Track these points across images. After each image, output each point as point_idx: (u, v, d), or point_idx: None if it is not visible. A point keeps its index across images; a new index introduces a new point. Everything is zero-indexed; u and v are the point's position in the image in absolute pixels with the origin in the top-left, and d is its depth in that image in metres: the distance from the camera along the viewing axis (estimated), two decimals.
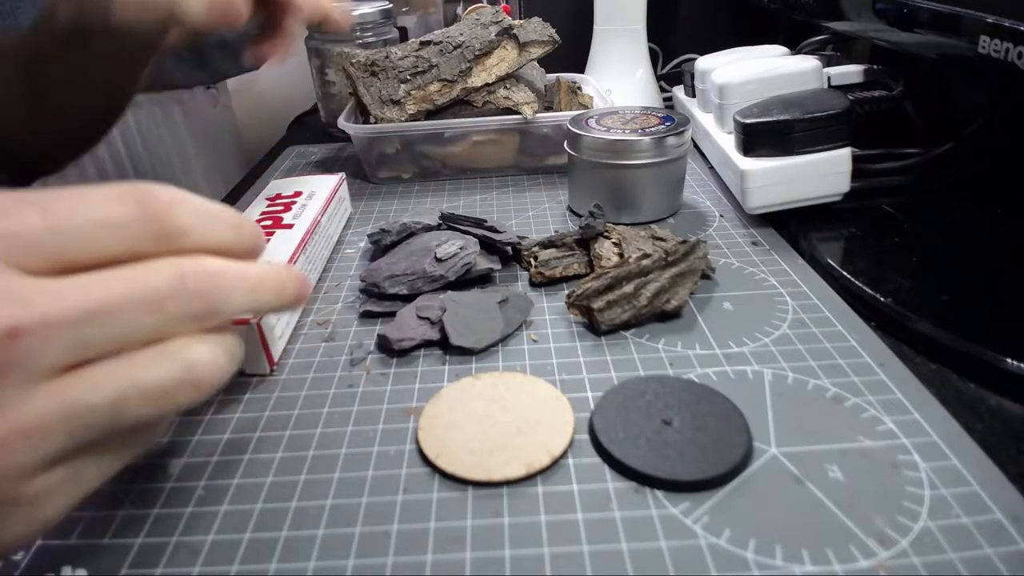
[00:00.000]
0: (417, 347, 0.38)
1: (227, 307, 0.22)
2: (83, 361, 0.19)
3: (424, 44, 0.60)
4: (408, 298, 0.42)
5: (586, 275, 0.43)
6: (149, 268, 0.21)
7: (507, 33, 0.60)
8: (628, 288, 0.38)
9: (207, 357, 0.22)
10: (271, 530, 0.27)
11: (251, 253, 0.25)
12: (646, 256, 0.39)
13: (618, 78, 0.74)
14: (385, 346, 0.38)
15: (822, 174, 0.47)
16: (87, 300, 0.19)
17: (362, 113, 0.63)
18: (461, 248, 0.44)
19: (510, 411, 0.32)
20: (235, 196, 0.65)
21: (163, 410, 0.21)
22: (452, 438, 0.31)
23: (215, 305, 0.22)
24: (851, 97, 0.52)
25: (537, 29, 0.61)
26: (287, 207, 0.48)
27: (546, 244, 0.45)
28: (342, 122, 0.60)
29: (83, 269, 0.20)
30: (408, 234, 0.47)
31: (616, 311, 0.38)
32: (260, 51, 0.46)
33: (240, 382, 0.36)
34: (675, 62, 0.88)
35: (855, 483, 0.28)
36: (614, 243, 0.44)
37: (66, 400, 0.19)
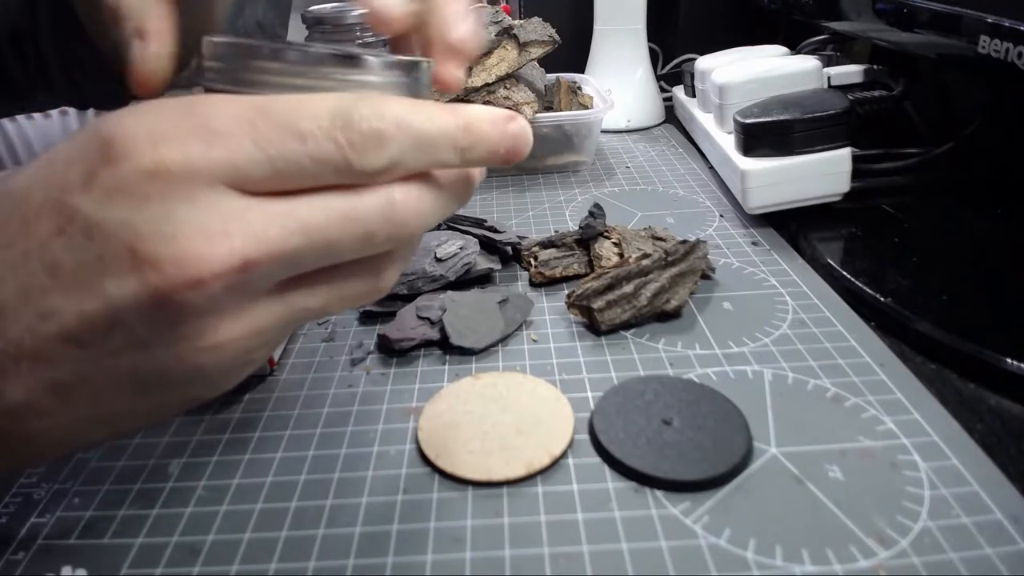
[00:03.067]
0: (417, 347, 0.38)
1: (434, 222, 0.22)
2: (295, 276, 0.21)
3: None
4: (408, 298, 0.42)
5: (586, 275, 0.43)
6: (361, 200, 0.20)
7: (507, 33, 0.60)
8: (628, 288, 0.38)
9: (392, 272, 0.23)
10: (271, 530, 0.27)
11: (491, 159, 0.23)
12: (646, 256, 0.39)
13: (618, 78, 0.74)
14: (385, 346, 0.38)
15: (822, 174, 0.47)
16: (307, 233, 0.19)
17: None
18: (461, 248, 0.44)
19: (510, 411, 0.32)
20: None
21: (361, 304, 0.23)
22: (452, 438, 0.31)
23: (423, 226, 0.22)
24: (851, 97, 0.52)
25: (537, 29, 0.61)
26: None
27: (546, 244, 0.45)
28: None
29: (290, 192, 0.20)
30: None
31: (616, 311, 0.38)
32: None
33: (240, 382, 0.36)
34: (675, 62, 0.87)
35: (855, 483, 0.28)
36: (614, 243, 0.44)
37: (286, 309, 0.21)
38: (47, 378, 0.19)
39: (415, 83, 0.23)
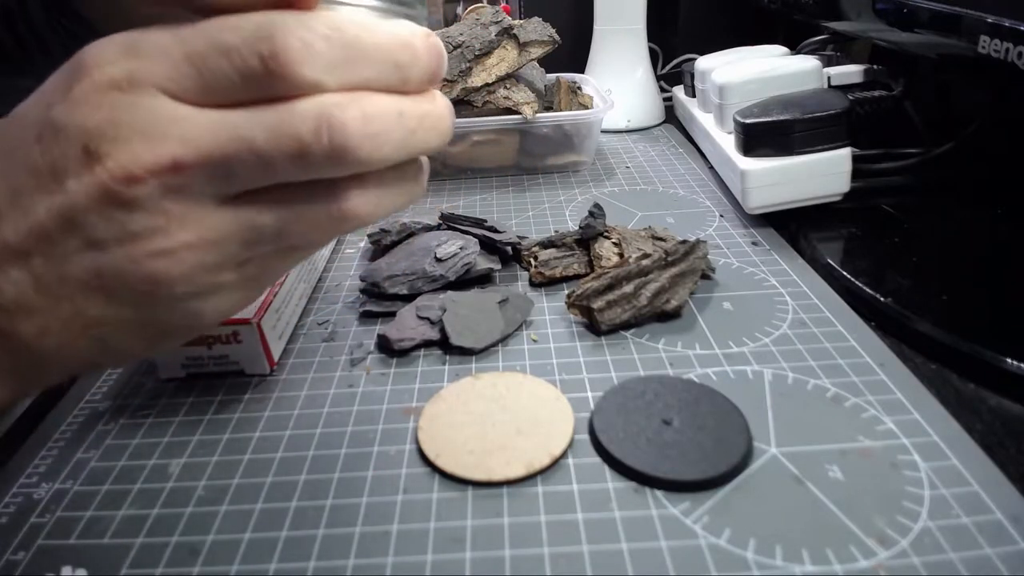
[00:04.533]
0: (417, 347, 0.38)
1: (378, 156, 0.21)
2: (245, 192, 0.21)
3: None
4: (408, 298, 0.42)
5: (586, 275, 0.43)
6: (291, 112, 0.20)
7: (507, 33, 0.60)
8: (628, 288, 0.38)
9: (361, 199, 0.22)
10: (271, 530, 0.27)
11: (428, 84, 0.23)
12: (646, 256, 0.39)
13: (618, 78, 0.74)
14: (385, 346, 0.38)
15: (822, 174, 0.47)
16: (237, 141, 0.20)
17: None
18: (461, 248, 0.44)
19: (510, 411, 0.32)
20: None
21: (323, 238, 0.23)
22: (452, 438, 0.31)
23: (363, 156, 0.21)
24: (851, 97, 0.52)
25: (537, 29, 0.61)
26: None
27: (546, 244, 0.45)
28: None
29: (231, 104, 0.21)
30: (408, 234, 0.47)
31: (616, 311, 0.38)
32: None
33: (240, 382, 0.36)
34: (675, 62, 0.87)
35: (855, 483, 0.28)
36: (614, 243, 0.44)
37: (236, 222, 0.21)
38: (29, 274, 0.21)
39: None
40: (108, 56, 0.20)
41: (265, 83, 0.20)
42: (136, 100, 0.20)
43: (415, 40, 0.22)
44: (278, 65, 0.20)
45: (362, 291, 0.44)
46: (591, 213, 0.45)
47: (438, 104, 0.23)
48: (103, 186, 0.20)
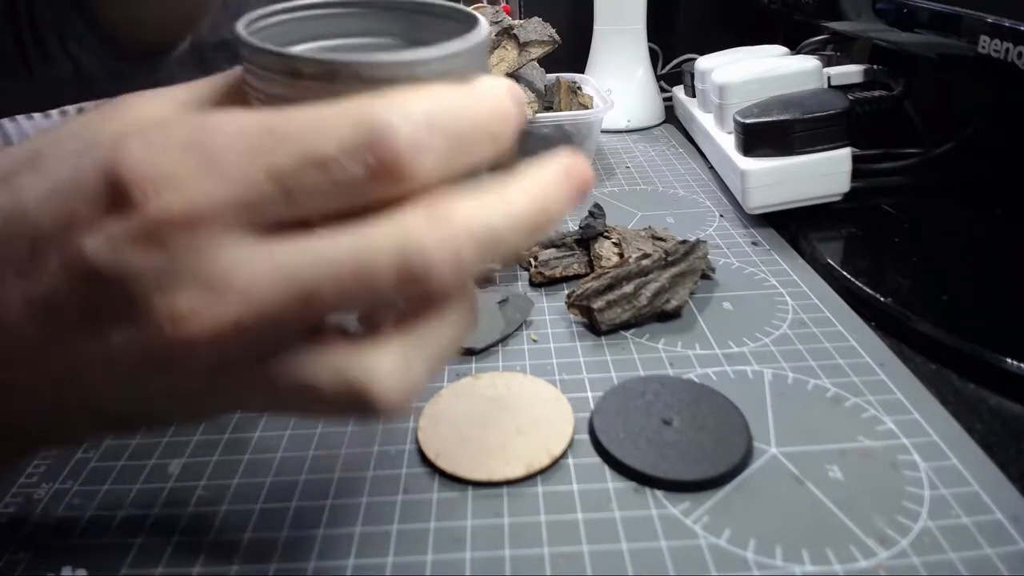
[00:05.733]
0: None
1: (454, 286, 0.18)
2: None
3: None
4: None
5: (586, 275, 0.43)
6: (372, 249, 0.17)
7: (507, 33, 0.60)
8: (628, 288, 0.38)
9: (388, 372, 0.19)
10: (271, 530, 0.27)
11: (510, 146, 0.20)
12: (646, 256, 0.39)
13: (618, 78, 0.74)
14: None
15: (822, 174, 0.47)
16: (302, 295, 0.17)
17: None
18: None
19: (510, 411, 0.32)
20: None
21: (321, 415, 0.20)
22: (452, 438, 0.31)
23: (441, 292, 0.18)
24: (851, 97, 0.52)
25: (537, 29, 0.61)
26: None
27: (546, 244, 0.45)
28: None
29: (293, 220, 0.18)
30: None
31: (616, 311, 0.38)
32: None
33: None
34: (675, 62, 0.87)
35: (855, 483, 0.28)
36: (614, 243, 0.44)
37: (280, 374, 0.19)
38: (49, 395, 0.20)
39: (478, 51, 0.21)
40: (163, 175, 0.17)
41: (364, 192, 0.17)
42: (202, 244, 0.17)
43: (507, 105, 0.19)
44: (388, 172, 0.17)
45: None
46: (591, 213, 0.45)
47: (551, 190, 0.20)
48: (149, 345, 0.17)
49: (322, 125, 0.17)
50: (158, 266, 0.17)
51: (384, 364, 0.18)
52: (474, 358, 0.37)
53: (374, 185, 0.17)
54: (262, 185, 0.17)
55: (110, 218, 0.17)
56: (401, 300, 0.19)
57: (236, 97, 0.21)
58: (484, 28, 0.21)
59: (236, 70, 0.22)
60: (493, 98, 0.19)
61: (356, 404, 0.18)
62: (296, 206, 0.17)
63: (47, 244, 0.18)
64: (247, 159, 0.17)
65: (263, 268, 0.17)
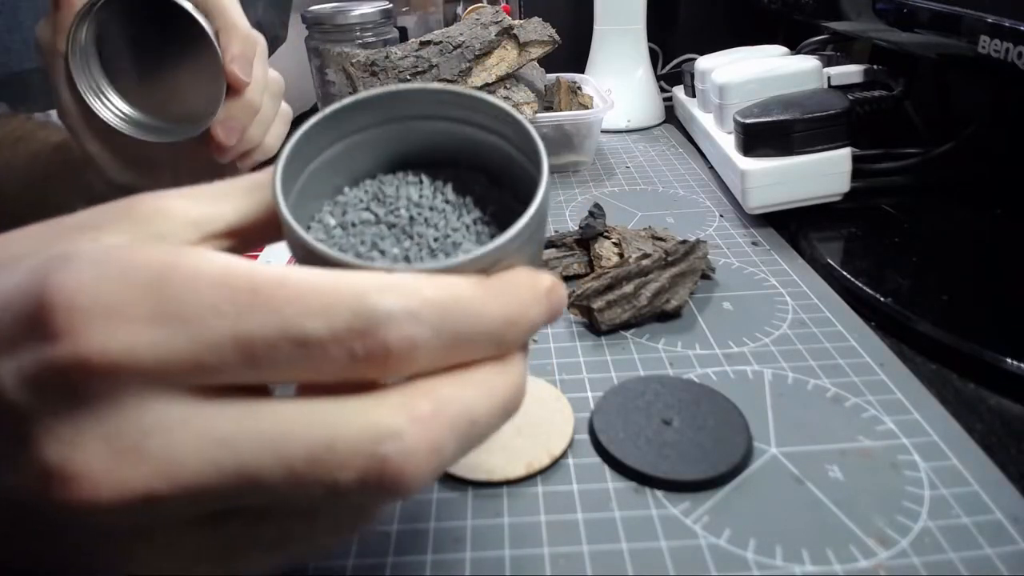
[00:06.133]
0: None
1: (426, 484, 0.16)
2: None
3: (424, 44, 0.60)
4: None
5: (586, 275, 0.43)
6: (335, 433, 0.15)
7: (507, 33, 0.60)
8: (628, 288, 0.38)
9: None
10: None
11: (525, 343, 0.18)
12: (646, 256, 0.39)
13: (618, 78, 0.74)
14: None
15: (822, 174, 0.47)
16: (239, 473, 0.15)
17: None
18: None
19: None
20: None
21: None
22: None
23: (412, 490, 0.16)
24: (851, 97, 0.52)
25: (537, 29, 0.61)
26: None
27: (546, 244, 0.45)
28: None
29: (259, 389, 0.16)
30: None
31: (616, 311, 0.38)
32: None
33: None
34: (675, 62, 0.87)
35: (855, 483, 0.28)
36: (614, 243, 0.44)
37: (209, 539, 0.17)
38: None
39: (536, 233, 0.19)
40: (101, 308, 0.14)
41: (338, 372, 0.15)
42: (125, 398, 0.14)
43: (525, 309, 0.17)
44: (373, 362, 0.15)
45: None
46: (591, 213, 0.45)
47: (512, 378, 0.18)
48: (46, 502, 0.15)
49: (316, 302, 0.15)
50: (61, 411, 0.14)
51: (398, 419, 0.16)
52: None
53: (352, 368, 0.15)
54: (224, 350, 0.15)
55: (28, 342, 0.14)
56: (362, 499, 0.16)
57: (264, 229, 0.20)
58: (536, 207, 0.19)
59: (266, 177, 0.20)
60: (510, 302, 0.17)
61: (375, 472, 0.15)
62: (258, 375, 0.15)
63: None
64: (215, 317, 0.14)
65: (194, 437, 0.15)
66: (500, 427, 0.18)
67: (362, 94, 0.22)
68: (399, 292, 0.15)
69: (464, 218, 0.22)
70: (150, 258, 0.15)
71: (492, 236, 0.21)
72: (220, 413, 0.15)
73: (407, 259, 0.20)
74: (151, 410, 0.15)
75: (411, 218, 0.22)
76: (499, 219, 0.22)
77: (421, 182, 0.23)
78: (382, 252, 0.20)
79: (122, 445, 0.14)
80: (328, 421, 0.15)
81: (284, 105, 0.50)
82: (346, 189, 0.23)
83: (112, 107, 0.42)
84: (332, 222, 0.22)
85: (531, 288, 0.18)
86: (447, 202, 0.22)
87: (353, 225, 0.22)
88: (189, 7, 0.40)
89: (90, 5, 0.39)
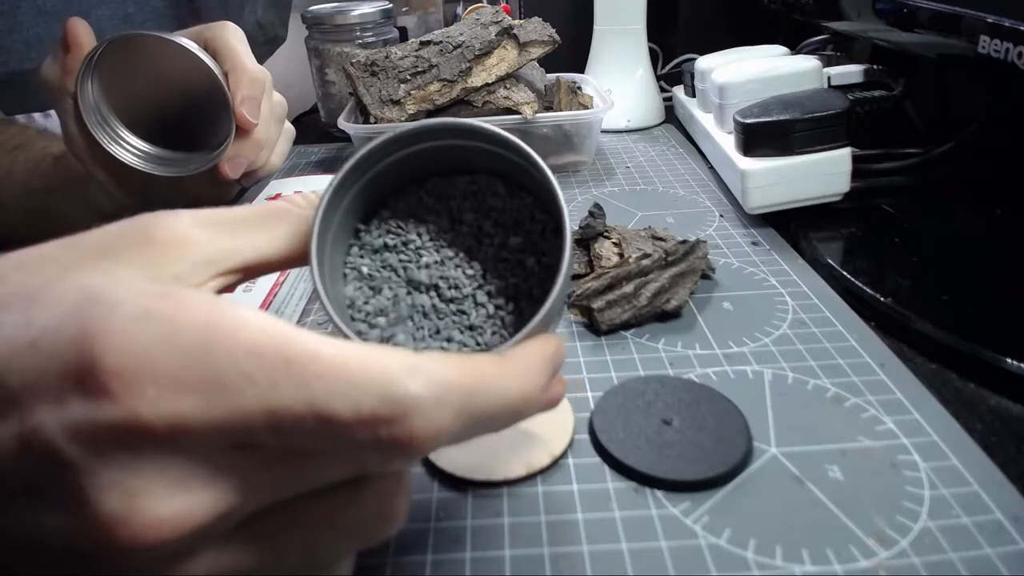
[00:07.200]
0: None
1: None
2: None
3: (424, 44, 0.60)
4: None
5: (586, 275, 0.43)
6: (340, 531, 0.18)
7: (507, 33, 0.60)
8: (628, 288, 0.38)
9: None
10: None
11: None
12: (646, 256, 0.39)
13: (618, 78, 0.74)
14: None
15: (822, 174, 0.47)
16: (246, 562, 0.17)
17: (362, 113, 0.63)
18: None
19: None
20: (236, 197, 0.64)
21: None
22: None
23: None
24: (851, 97, 0.52)
25: (537, 29, 0.61)
26: None
27: None
28: (342, 122, 0.60)
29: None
30: None
31: (616, 311, 0.38)
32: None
33: None
34: (675, 62, 0.87)
35: (855, 483, 0.28)
36: (614, 243, 0.44)
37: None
38: None
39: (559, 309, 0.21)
40: (140, 372, 0.15)
41: (362, 454, 0.17)
42: (167, 460, 0.15)
43: (539, 386, 0.19)
44: (393, 449, 0.16)
45: None
46: (591, 213, 0.45)
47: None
48: (93, 550, 0.15)
49: (345, 382, 0.15)
50: (115, 465, 0.15)
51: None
52: None
53: (375, 447, 0.16)
54: (255, 420, 0.15)
55: (78, 399, 0.15)
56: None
57: (276, 265, 0.21)
58: (558, 290, 0.20)
59: (285, 207, 0.21)
60: (528, 379, 0.18)
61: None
62: (282, 444, 0.16)
63: (7, 403, 0.15)
64: (251, 387, 0.15)
65: (224, 489, 0.16)
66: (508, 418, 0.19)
67: (388, 135, 0.22)
68: (427, 377, 0.16)
69: (485, 281, 0.23)
70: (192, 320, 0.15)
71: (514, 281, 0.22)
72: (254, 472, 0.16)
73: (437, 331, 0.21)
74: (196, 465, 0.16)
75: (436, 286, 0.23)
76: (526, 246, 0.22)
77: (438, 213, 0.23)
78: (411, 318, 0.21)
79: (174, 483, 0.15)
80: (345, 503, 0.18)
81: (288, 125, 0.51)
82: (364, 227, 0.24)
83: (123, 143, 0.42)
84: (365, 270, 0.22)
85: (542, 360, 0.19)
86: (467, 255, 0.23)
87: (380, 271, 0.22)
88: (199, 53, 0.41)
89: (99, 49, 0.40)
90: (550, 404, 0.20)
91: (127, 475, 0.15)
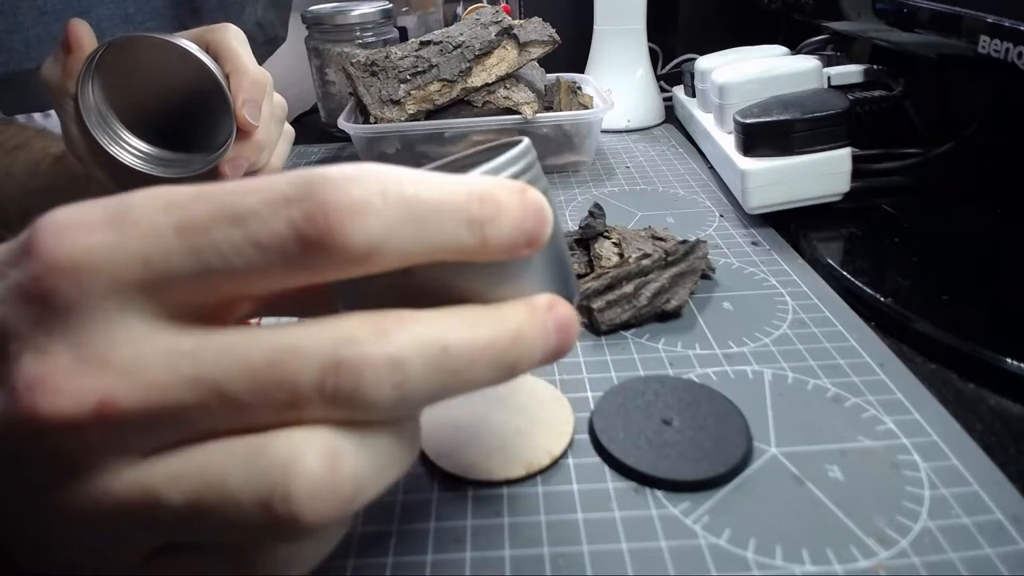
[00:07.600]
0: None
1: (390, 411, 0.16)
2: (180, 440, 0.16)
3: (424, 44, 0.60)
4: None
5: (586, 275, 0.43)
6: (295, 344, 0.15)
7: (507, 33, 0.60)
8: (628, 288, 0.38)
9: (317, 471, 0.15)
10: None
11: (521, 247, 0.17)
12: (646, 256, 0.39)
13: (618, 78, 0.74)
14: None
15: (822, 174, 0.47)
16: (201, 388, 0.15)
17: (362, 113, 0.63)
18: None
19: (510, 411, 0.32)
20: None
21: (248, 535, 0.16)
22: (452, 438, 0.31)
23: (372, 412, 0.15)
24: (851, 97, 0.52)
25: (537, 29, 0.61)
26: None
27: None
28: (342, 122, 0.60)
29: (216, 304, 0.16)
30: None
31: (616, 311, 0.38)
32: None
33: None
34: (675, 62, 0.87)
35: (855, 483, 0.28)
36: (614, 243, 0.44)
37: (143, 490, 0.15)
38: None
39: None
40: (62, 224, 0.15)
41: (293, 259, 0.15)
42: (92, 311, 0.15)
43: (498, 192, 0.16)
44: (318, 231, 0.14)
45: None
46: (591, 213, 0.45)
47: (506, 323, 0.17)
48: (8, 413, 0.15)
49: (253, 185, 0.15)
50: (36, 322, 0.15)
51: (309, 445, 0.15)
52: None
53: (299, 248, 0.15)
54: (169, 239, 0.15)
55: (19, 262, 0.16)
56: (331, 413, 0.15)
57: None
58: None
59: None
60: (479, 183, 0.16)
61: (272, 496, 0.14)
62: (208, 272, 0.15)
63: None
64: (158, 214, 0.15)
65: (159, 350, 0.15)
66: (489, 374, 0.17)
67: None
68: (343, 174, 0.15)
69: None
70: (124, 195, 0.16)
71: None
72: (185, 330, 0.16)
73: None
74: (119, 325, 0.15)
75: None
76: None
77: None
78: None
79: (88, 354, 0.15)
80: (291, 332, 0.15)
81: (287, 127, 0.51)
82: None
83: (123, 144, 0.43)
84: None
85: (497, 179, 0.18)
86: None
87: None
88: (200, 55, 0.41)
89: (100, 50, 0.40)
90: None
91: (44, 334, 0.15)
